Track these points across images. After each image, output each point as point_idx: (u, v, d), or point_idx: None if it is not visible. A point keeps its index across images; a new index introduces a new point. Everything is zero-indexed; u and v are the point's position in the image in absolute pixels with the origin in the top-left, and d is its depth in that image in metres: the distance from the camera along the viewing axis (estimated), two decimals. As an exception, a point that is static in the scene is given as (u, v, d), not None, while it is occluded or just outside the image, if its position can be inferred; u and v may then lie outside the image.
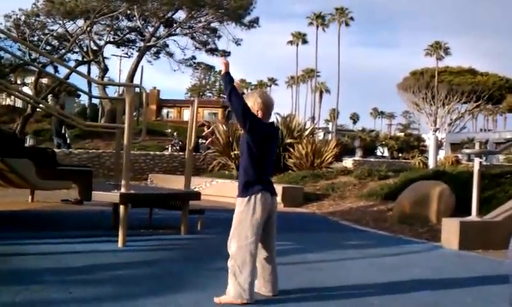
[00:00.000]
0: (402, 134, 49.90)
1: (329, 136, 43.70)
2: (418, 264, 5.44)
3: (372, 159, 25.57)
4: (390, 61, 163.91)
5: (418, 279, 4.62)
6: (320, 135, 35.82)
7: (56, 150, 11.10)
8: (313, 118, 61.38)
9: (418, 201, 8.32)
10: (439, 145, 29.30)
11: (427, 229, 7.58)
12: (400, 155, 37.50)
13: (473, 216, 6.66)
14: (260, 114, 3.70)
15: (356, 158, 25.02)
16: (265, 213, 3.61)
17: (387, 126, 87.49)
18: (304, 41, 72.32)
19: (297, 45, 72.38)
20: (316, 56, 67.46)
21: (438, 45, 59.38)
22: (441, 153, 32.45)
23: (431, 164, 18.94)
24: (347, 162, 20.18)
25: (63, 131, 16.71)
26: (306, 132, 16.76)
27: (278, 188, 10.63)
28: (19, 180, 5.89)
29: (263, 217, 3.60)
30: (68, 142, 17.33)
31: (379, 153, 42.92)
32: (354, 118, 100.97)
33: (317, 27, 67.66)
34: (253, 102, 3.72)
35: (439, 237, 6.70)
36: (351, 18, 66.43)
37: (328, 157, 15.09)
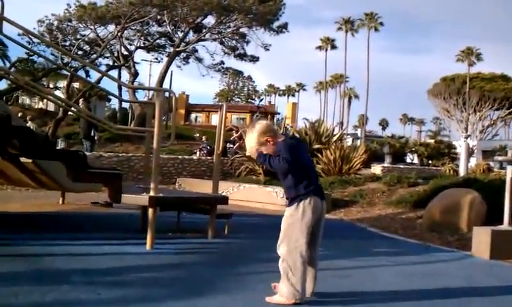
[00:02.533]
0: (433, 141, 49.27)
1: (358, 142, 43.48)
2: (448, 273, 5.35)
3: (401, 166, 25.30)
4: (420, 67, 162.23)
5: (447, 288, 4.55)
6: (348, 141, 35.64)
7: (87, 153, 11.27)
8: (341, 124, 61.11)
9: (449, 208, 8.20)
10: (470, 152, 28.83)
11: (458, 238, 7.46)
12: (430, 162, 37.05)
13: (505, 225, 6.52)
14: (271, 141, 3.68)
15: (385, 164, 24.78)
16: (314, 217, 3.64)
17: (417, 132, 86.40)
18: (333, 47, 72.07)
19: (326, 50, 72.23)
20: (345, 61, 67.40)
21: (470, 51, 58.51)
22: (473, 161, 31.92)
23: (462, 171, 18.65)
24: (376, 169, 20.01)
25: (92, 133, 16.96)
26: (335, 138, 16.68)
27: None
28: (50, 181, 5.99)
29: (312, 221, 3.63)
30: (95, 144, 17.59)
31: (408, 160, 42.50)
32: (383, 124, 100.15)
33: (346, 32, 67.40)
34: (257, 142, 3.69)
35: (469, 246, 6.58)
36: (381, 24, 66.01)
37: (356, 163, 14.98)
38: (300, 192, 3.63)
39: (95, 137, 17.56)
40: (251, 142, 3.74)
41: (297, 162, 3.63)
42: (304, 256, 3.60)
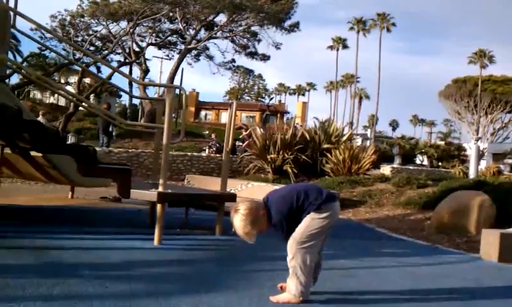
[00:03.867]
0: (443, 143, 48.99)
1: (368, 142, 43.34)
2: (455, 275, 5.32)
3: (411, 167, 25.17)
4: (431, 69, 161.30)
5: (454, 290, 4.52)
6: (358, 141, 35.55)
7: (97, 148, 11.31)
8: (351, 124, 60.92)
9: (458, 210, 8.15)
10: (480, 155, 28.67)
11: (466, 240, 7.42)
12: (440, 163, 36.85)
13: (514, 228, 6.48)
14: (265, 214, 3.57)
15: (395, 165, 24.66)
16: (333, 222, 3.67)
17: (427, 134, 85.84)
18: (345, 47, 71.87)
19: (337, 50, 72.05)
20: (356, 62, 67.08)
21: (482, 53, 58.12)
22: (483, 163, 31.73)
23: (472, 173, 18.54)
24: (385, 169, 19.94)
25: (110, 129, 17.15)
26: (344, 138, 16.63)
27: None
28: (60, 176, 6.03)
29: (331, 225, 3.66)
30: (113, 140, 17.80)
31: (418, 161, 42.25)
32: (394, 125, 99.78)
33: (358, 32, 67.14)
34: (255, 225, 3.51)
35: (478, 249, 6.54)
36: (393, 24, 65.70)
37: (365, 164, 14.94)
38: (321, 201, 3.61)
39: (113, 133, 17.76)
40: (247, 228, 3.50)
41: (298, 204, 3.59)
42: (314, 257, 3.63)
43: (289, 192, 3.72)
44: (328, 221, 3.61)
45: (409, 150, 42.12)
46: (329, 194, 3.73)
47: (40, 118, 18.60)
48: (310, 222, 3.59)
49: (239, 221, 3.50)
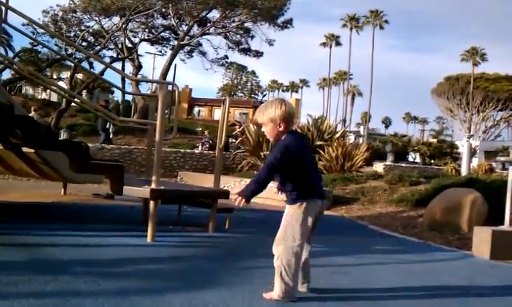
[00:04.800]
0: (435, 140, 49.27)
1: (360, 140, 43.46)
2: (447, 272, 5.35)
3: (403, 164, 25.30)
4: (424, 66, 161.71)
5: (446, 287, 4.55)
6: (351, 138, 35.62)
7: (90, 145, 11.26)
8: (344, 121, 61.01)
9: (450, 208, 8.19)
10: (472, 152, 28.80)
11: (458, 237, 7.46)
12: (432, 161, 37.05)
13: (506, 225, 6.52)
14: (282, 126, 3.59)
15: (387, 163, 24.74)
16: (313, 218, 3.66)
17: (420, 131, 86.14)
18: (338, 44, 71.93)
19: (330, 47, 72.08)
20: (349, 59, 67.05)
21: (475, 51, 58.35)
22: (475, 161, 31.90)
23: (464, 171, 18.65)
24: (378, 167, 20.03)
25: (107, 126, 17.21)
26: (337, 135, 16.68)
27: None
28: (52, 172, 5.98)
29: (311, 222, 3.65)
30: (110, 137, 17.86)
31: (410, 159, 42.44)
32: (386, 122, 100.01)
33: (351, 29, 67.25)
34: (274, 112, 3.56)
35: (470, 246, 6.58)
36: (386, 21, 65.85)
37: (358, 161, 14.99)
38: (304, 193, 3.61)
39: (110, 130, 17.81)
40: (266, 115, 3.59)
41: (297, 163, 3.58)
42: (300, 256, 3.61)
43: (305, 147, 3.79)
44: (306, 215, 3.60)
45: (402, 148, 42.35)
46: (320, 190, 3.75)
47: (32, 114, 18.51)
48: (290, 219, 3.61)
49: (273, 108, 3.58)
